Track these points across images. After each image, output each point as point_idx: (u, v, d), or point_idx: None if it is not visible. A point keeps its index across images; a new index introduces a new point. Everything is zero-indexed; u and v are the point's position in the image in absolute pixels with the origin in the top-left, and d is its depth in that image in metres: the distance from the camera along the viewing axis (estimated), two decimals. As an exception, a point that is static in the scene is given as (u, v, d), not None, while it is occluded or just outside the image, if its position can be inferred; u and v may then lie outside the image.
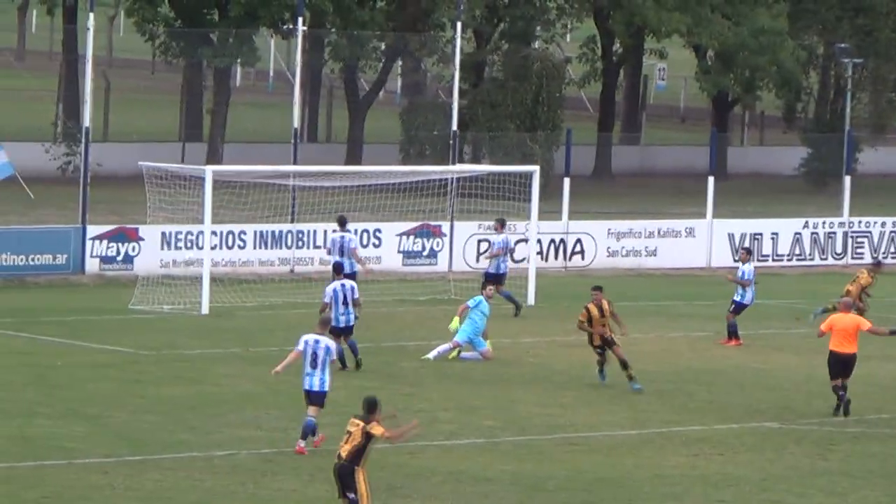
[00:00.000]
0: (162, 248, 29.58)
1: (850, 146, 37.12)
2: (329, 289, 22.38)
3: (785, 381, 22.68)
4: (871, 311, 25.58)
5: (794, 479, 17.90)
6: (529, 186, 29.05)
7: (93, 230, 29.48)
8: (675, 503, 16.98)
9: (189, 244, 29.51)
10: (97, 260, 29.34)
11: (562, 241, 32.71)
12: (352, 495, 14.51)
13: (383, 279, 29.36)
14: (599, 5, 44.42)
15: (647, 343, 25.10)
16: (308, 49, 39.00)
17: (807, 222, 34.96)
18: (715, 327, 26.14)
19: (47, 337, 24.14)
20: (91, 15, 29.53)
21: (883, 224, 35.52)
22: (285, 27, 40.73)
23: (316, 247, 30.45)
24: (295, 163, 31.49)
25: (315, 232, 30.82)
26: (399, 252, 31.46)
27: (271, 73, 59.02)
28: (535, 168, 29.61)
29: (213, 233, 28.02)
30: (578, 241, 32.95)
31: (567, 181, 32.50)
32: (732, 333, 25.33)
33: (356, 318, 22.52)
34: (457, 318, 23.43)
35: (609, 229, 33.40)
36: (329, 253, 26.22)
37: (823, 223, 35.02)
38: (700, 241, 33.73)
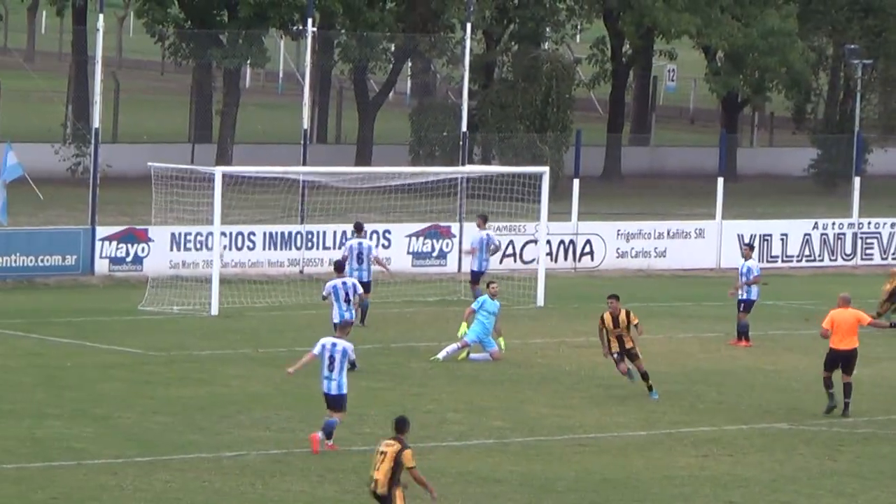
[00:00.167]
0: (171, 250, 29.59)
1: (860, 147, 37.03)
2: (329, 284, 22.43)
3: (795, 381, 22.63)
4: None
5: (803, 480, 17.89)
6: (539, 187, 29.02)
7: (102, 231, 29.51)
8: (685, 504, 17.02)
9: (199, 245, 29.54)
10: (106, 261, 29.37)
11: (571, 242, 32.67)
12: None
13: (392, 280, 29.36)
14: (609, 6, 44.35)
15: (657, 344, 25.06)
16: (318, 50, 39.06)
17: (816, 223, 34.92)
18: (725, 328, 26.09)
19: (56, 338, 24.18)
20: (101, 16, 29.56)
21: (892, 225, 35.43)
22: (295, 28, 40.73)
23: (325, 248, 30.45)
24: (304, 164, 31.45)
25: (324, 233, 30.82)
26: (408, 253, 31.46)
27: (281, 74, 58.99)
28: (545, 169, 29.59)
29: (223, 233, 28.05)
30: (588, 242, 32.91)
31: (576, 182, 32.51)
32: (743, 334, 25.28)
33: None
34: (464, 324, 23.46)
35: (618, 230, 33.36)
36: (344, 259, 26.22)
37: (833, 224, 34.96)
38: (709, 242, 33.67)
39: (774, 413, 20.86)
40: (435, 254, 31.58)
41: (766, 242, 34.18)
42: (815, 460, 18.73)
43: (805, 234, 34.53)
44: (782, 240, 34.37)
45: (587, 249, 32.86)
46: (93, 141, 29.93)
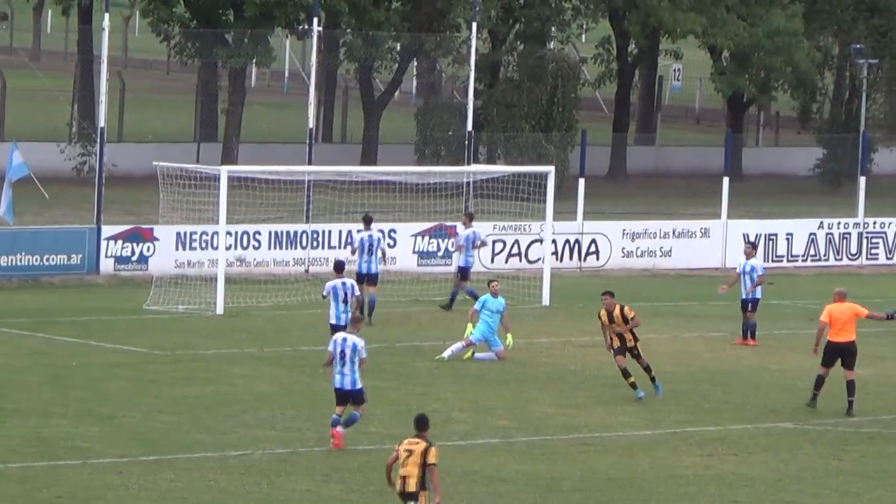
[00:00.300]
0: (177, 249, 29.55)
1: (865, 147, 36.90)
2: (328, 284, 22.46)
3: (800, 381, 22.58)
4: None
5: (808, 479, 17.86)
6: (544, 187, 28.99)
7: (107, 230, 29.47)
8: (690, 503, 16.94)
9: (204, 244, 29.52)
10: (112, 260, 29.33)
11: (576, 241, 32.61)
12: None
13: (398, 279, 29.35)
14: (615, 6, 44.30)
15: (662, 343, 25.01)
16: (323, 49, 39.04)
17: (821, 223, 34.84)
18: (730, 327, 26.04)
19: (62, 337, 24.15)
20: (106, 15, 29.55)
21: (898, 224, 35.43)
22: (300, 27, 40.71)
23: (331, 247, 30.44)
24: (310, 163, 31.45)
25: (330, 232, 30.79)
26: (414, 252, 31.43)
27: (286, 74, 58.88)
28: (550, 168, 29.53)
29: (228, 233, 28.02)
30: (593, 241, 32.86)
31: (582, 182, 32.44)
32: (751, 333, 25.18)
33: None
34: (470, 325, 23.45)
35: (624, 230, 33.30)
36: (353, 252, 26.28)
37: (838, 224, 34.89)
38: (715, 242, 33.61)
39: (779, 412, 20.83)
40: (440, 253, 31.55)
41: (771, 242, 34.13)
42: (820, 460, 18.70)
43: (810, 234, 34.46)
44: (787, 239, 34.30)
45: (592, 249, 32.81)
46: (98, 140, 29.87)
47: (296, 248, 30.57)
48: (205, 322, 25.98)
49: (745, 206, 37.28)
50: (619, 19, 45.07)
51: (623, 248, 33.11)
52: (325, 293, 22.39)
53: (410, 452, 14.73)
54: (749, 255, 25.61)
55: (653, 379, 21.21)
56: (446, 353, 23.42)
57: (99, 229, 29.39)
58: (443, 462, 17.70)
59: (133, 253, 29.38)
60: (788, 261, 34.22)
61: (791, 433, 19.86)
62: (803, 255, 34.42)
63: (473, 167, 32.42)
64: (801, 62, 42.75)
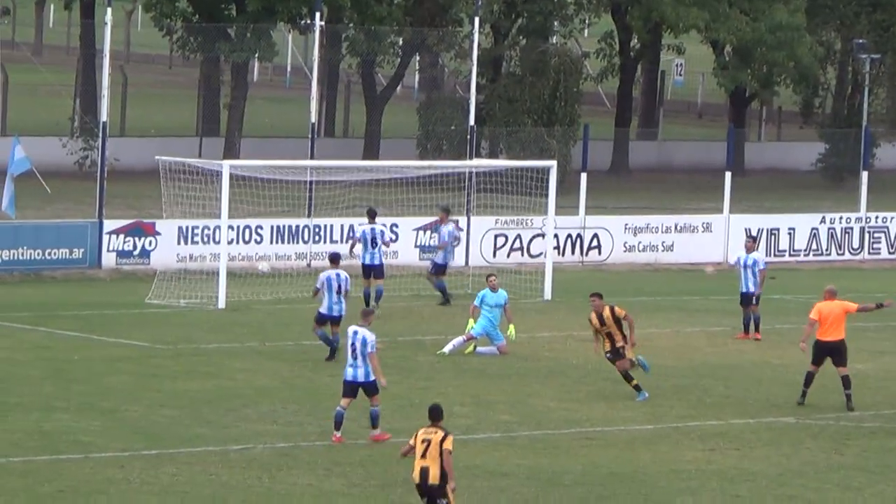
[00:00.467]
0: (179, 243, 29.52)
1: (868, 142, 36.80)
2: (322, 275, 22.44)
3: (801, 376, 22.46)
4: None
5: (810, 474, 17.84)
6: (546, 181, 28.95)
7: (109, 225, 29.42)
8: (691, 498, 16.91)
9: (206, 239, 29.49)
10: (114, 254, 29.29)
11: (578, 236, 32.54)
12: (444, 500, 14.66)
13: (400, 274, 29.33)
14: (617, 1, 44.22)
15: (664, 338, 24.97)
16: (325, 44, 38.97)
17: (824, 217, 34.76)
18: (732, 322, 25.98)
19: (64, 331, 24.12)
20: (108, 10, 29.51)
21: (900, 219, 35.37)
22: (303, 22, 40.63)
23: (333, 241, 30.37)
24: (312, 157, 31.38)
25: (332, 227, 30.75)
26: (416, 247, 31.39)
27: (289, 68, 58.74)
28: (553, 163, 29.49)
29: (230, 227, 27.98)
30: (595, 236, 32.79)
31: (584, 176, 32.36)
32: (755, 326, 25.06)
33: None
34: (471, 321, 23.43)
35: (626, 224, 33.23)
36: (353, 246, 26.29)
37: (840, 218, 34.80)
38: (717, 237, 33.53)
39: (781, 407, 20.78)
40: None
41: (773, 237, 34.06)
42: (821, 454, 18.66)
43: (812, 229, 34.37)
44: (790, 234, 34.22)
45: (595, 243, 32.74)
46: (100, 134, 29.83)
47: (298, 242, 30.54)
48: (206, 316, 25.95)
49: (748, 201, 37.19)
50: (621, 14, 44.97)
51: (625, 243, 33.04)
52: (318, 285, 22.37)
53: (428, 443, 14.68)
54: (750, 249, 25.55)
55: (636, 388, 20.95)
56: (447, 348, 23.40)
57: (101, 223, 29.34)
58: (444, 456, 17.72)
59: (135, 247, 29.34)
60: (790, 255, 34.13)
61: (793, 428, 19.82)
62: (805, 250, 34.34)
63: (475, 162, 32.36)
64: (803, 57, 42.63)
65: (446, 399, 20.50)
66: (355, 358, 18.11)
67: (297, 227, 30.63)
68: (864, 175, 35.30)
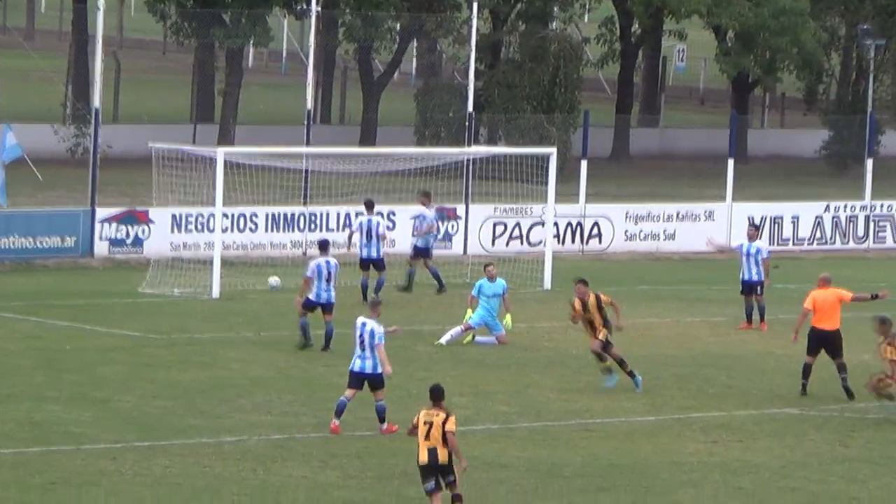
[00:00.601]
0: (172, 231, 29.32)
1: (873, 128, 36.60)
2: (313, 263, 22.36)
3: (805, 366, 22.27)
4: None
5: (814, 465, 17.66)
6: (546, 169, 28.70)
7: (102, 213, 29.20)
8: (693, 490, 16.73)
9: (200, 227, 29.25)
10: (106, 243, 29.07)
11: (579, 224, 32.35)
12: (452, 477, 14.70)
13: (397, 263, 29.02)
14: (618, -15, 43.99)
15: (665, 328, 24.80)
16: (322, 29, 38.61)
17: (828, 206, 34.53)
18: (734, 311, 25.75)
19: (56, 321, 23.95)
20: (101, -6, 29.27)
21: (905, 207, 35.09)
22: (299, 7, 40.35)
23: (329, 229, 30.19)
24: (308, 144, 31.18)
25: (328, 214, 30.56)
26: (413, 235, 31.10)
27: (284, 54, 58.48)
28: (552, 150, 29.23)
29: (225, 215, 27.73)
30: (596, 224, 32.57)
31: (584, 164, 32.14)
32: (761, 316, 24.75)
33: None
34: (469, 311, 23.26)
35: (627, 212, 33.01)
36: (350, 237, 26.21)
37: (845, 207, 34.58)
38: (719, 225, 33.27)
39: (785, 398, 20.58)
40: (440, 236, 31.22)
41: (776, 225, 33.85)
42: (826, 446, 18.47)
43: (816, 217, 34.15)
44: (793, 222, 34.00)
45: (595, 232, 32.52)
46: (93, 121, 29.59)
47: (293, 230, 30.26)
48: (200, 305, 25.76)
49: (751, 189, 36.94)
50: (622, -1, 44.74)
51: (626, 231, 32.82)
52: (309, 273, 22.26)
53: (431, 424, 14.66)
54: (752, 237, 25.28)
55: (631, 373, 20.63)
56: (444, 339, 23.22)
57: (93, 211, 29.11)
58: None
59: (128, 235, 29.12)
60: (794, 244, 33.94)
61: (796, 419, 19.63)
62: (809, 239, 34.12)
63: (474, 149, 32.12)
64: (807, 42, 42.31)
65: (445, 389, 20.36)
66: (363, 349, 18.01)
67: (293, 214, 30.41)
68: (869, 162, 35.08)
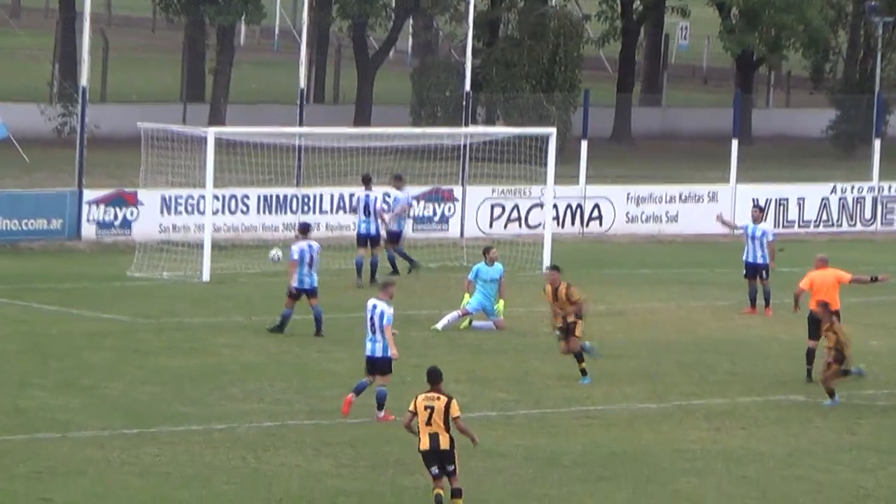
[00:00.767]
0: (161, 213, 28.99)
1: (880, 108, 36.19)
2: (296, 248, 22.06)
3: (811, 351, 21.80)
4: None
5: (820, 453, 17.36)
6: (545, 149, 28.27)
7: (89, 194, 28.84)
8: (696, 478, 16.42)
9: (190, 209, 28.87)
10: (94, 225, 28.73)
11: (579, 206, 31.99)
12: (452, 467, 14.53)
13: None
14: (619, -39, 43.41)
15: (667, 312, 24.49)
16: (315, 6, 38.19)
17: (835, 187, 34.14)
18: (738, 296, 25.36)
19: (42, 305, 23.66)
20: (89, -30, 28.74)
21: (914, 189, 34.65)
22: (292, -17, 39.75)
23: (322, 211, 29.82)
24: (301, 124, 30.90)
25: (321, 196, 30.19)
26: (409, 217, 30.61)
27: (276, 31, 57.99)
28: (552, 130, 28.76)
29: (215, 197, 27.32)
30: (596, 206, 32.20)
31: (585, 144, 31.84)
32: (766, 301, 24.29)
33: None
34: (467, 295, 22.94)
35: (628, 194, 32.66)
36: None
37: (852, 188, 34.21)
38: (723, 207, 32.82)
39: (790, 384, 20.24)
40: (437, 218, 30.83)
41: (782, 207, 33.49)
42: (832, 434, 18.15)
43: (823, 199, 33.78)
44: (799, 204, 33.65)
45: (595, 214, 32.16)
46: (80, 100, 29.15)
47: (286, 212, 29.85)
48: (190, 289, 25.43)
49: (755, 170, 36.53)
50: (624, -25, 44.13)
51: (627, 213, 32.46)
52: (294, 257, 21.95)
53: (432, 409, 14.38)
54: (757, 219, 24.86)
55: (583, 371, 20.00)
56: (441, 324, 22.90)
57: (80, 193, 28.73)
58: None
59: (116, 217, 28.78)
60: (800, 226, 33.58)
61: (802, 406, 19.29)
62: (815, 221, 33.77)
63: (471, 129, 31.85)
64: (813, 20, 41.74)
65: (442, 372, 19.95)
66: (374, 332, 17.85)
67: (286, 196, 30.05)
68: (877, 143, 34.71)
